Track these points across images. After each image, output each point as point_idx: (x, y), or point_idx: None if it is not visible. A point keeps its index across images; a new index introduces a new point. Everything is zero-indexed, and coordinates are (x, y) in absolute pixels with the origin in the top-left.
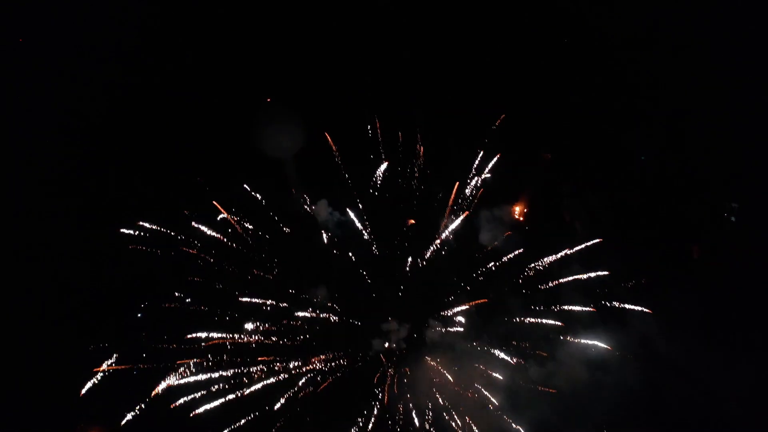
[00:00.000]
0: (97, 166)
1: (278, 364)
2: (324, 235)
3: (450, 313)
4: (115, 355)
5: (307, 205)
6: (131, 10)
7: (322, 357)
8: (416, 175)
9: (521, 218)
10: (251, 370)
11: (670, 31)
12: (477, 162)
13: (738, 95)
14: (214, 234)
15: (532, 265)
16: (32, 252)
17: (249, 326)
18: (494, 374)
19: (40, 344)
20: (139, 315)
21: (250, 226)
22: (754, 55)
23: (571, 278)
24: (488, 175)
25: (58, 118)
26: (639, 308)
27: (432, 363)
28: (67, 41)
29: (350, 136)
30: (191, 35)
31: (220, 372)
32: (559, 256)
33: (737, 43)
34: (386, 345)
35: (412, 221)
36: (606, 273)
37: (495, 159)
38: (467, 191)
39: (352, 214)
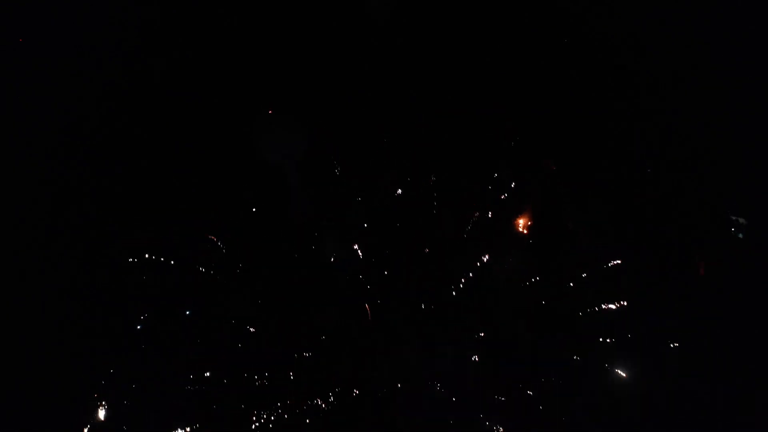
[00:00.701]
0: (96, 169)
1: (282, 401)
2: (331, 260)
3: (461, 340)
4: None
5: (313, 227)
6: (131, 10)
7: (328, 389)
8: (429, 199)
9: (525, 231)
10: (253, 403)
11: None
12: (488, 179)
13: (743, 100)
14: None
15: (542, 287)
16: (30, 256)
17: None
18: (505, 399)
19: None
20: (139, 326)
21: (254, 246)
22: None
23: (584, 301)
24: (503, 198)
25: (59, 118)
26: (655, 332)
27: (442, 391)
28: (67, 41)
29: (357, 153)
30: (192, 38)
31: (220, 405)
32: (571, 275)
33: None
34: (394, 374)
35: (426, 249)
36: (621, 297)
37: (512, 184)
38: (480, 212)
39: (359, 240)
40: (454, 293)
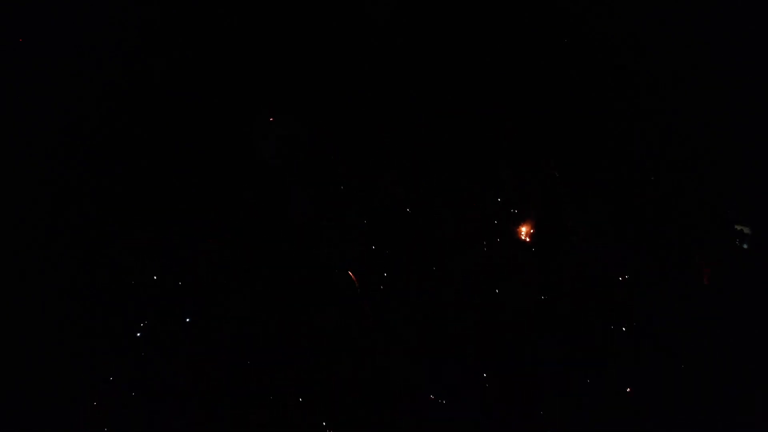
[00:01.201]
0: (96, 169)
1: (282, 401)
2: (333, 270)
3: (461, 350)
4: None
5: (313, 227)
6: (131, 10)
7: (327, 390)
8: (429, 199)
9: (528, 239)
10: (252, 403)
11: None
12: (491, 187)
13: (743, 100)
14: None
15: (543, 287)
16: (29, 257)
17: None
18: (505, 400)
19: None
20: (138, 327)
21: (255, 246)
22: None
23: (584, 301)
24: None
25: (59, 118)
26: (654, 332)
27: (442, 393)
28: (67, 41)
29: (357, 153)
30: (192, 38)
31: (219, 405)
32: (574, 284)
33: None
34: (395, 382)
35: (426, 249)
36: (621, 297)
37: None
38: (480, 212)
39: (359, 240)
40: (454, 293)
